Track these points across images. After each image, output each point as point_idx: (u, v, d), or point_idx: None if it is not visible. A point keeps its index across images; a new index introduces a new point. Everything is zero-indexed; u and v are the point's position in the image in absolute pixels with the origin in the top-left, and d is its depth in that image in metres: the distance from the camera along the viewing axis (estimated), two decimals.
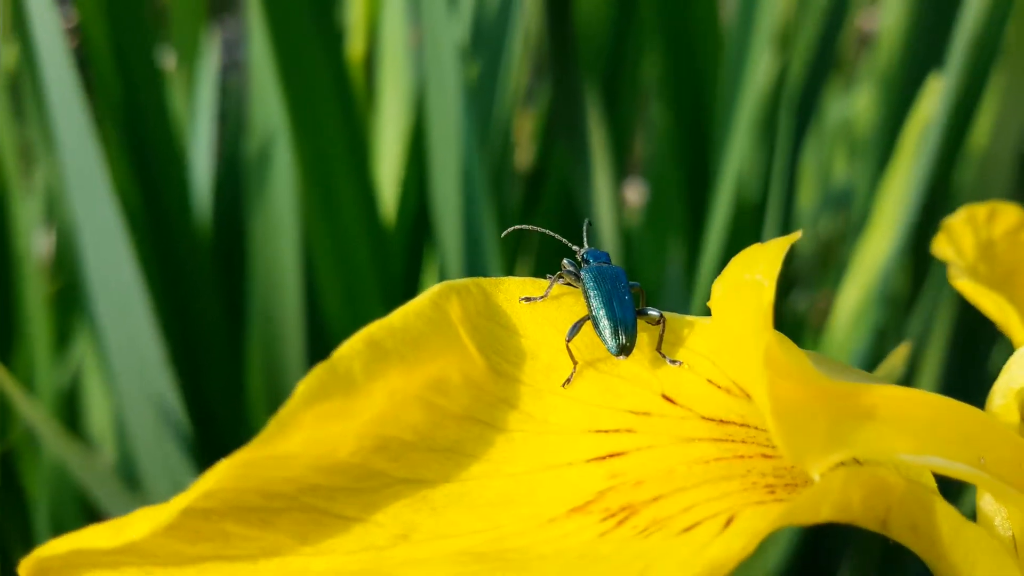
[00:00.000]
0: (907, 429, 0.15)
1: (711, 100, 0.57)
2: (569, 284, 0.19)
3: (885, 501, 0.14)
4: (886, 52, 0.76)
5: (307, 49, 0.48)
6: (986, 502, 0.18)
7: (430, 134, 0.49)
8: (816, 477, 0.13)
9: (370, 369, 0.15)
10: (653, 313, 0.18)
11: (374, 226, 0.51)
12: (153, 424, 0.49)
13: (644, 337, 0.18)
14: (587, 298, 0.18)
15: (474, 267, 0.49)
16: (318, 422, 0.14)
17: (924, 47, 0.61)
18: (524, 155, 0.75)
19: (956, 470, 0.15)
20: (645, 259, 0.66)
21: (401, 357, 0.15)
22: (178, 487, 0.50)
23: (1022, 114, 0.51)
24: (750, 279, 0.15)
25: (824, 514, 0.14)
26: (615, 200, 0.58)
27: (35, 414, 0.47)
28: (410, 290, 0.58)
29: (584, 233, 0.21)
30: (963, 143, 0.59)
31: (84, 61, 0.51)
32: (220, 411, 0.56)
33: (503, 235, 0.20)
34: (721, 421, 0.16)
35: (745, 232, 0.56)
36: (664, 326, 0.18)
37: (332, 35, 0.48)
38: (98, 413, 0.62)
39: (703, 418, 0.16)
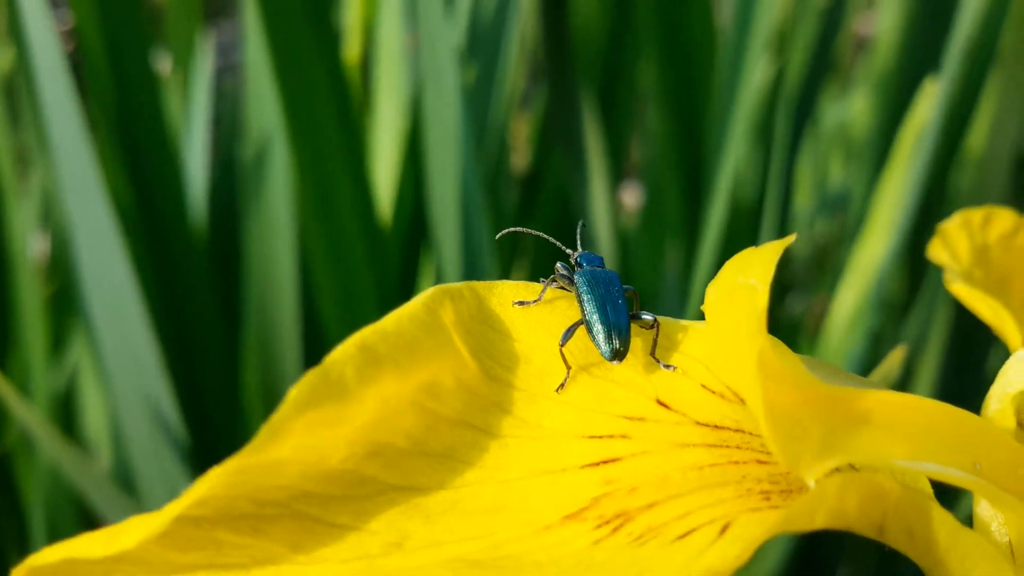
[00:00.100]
0: (903, 434, 0.15)
1: (707, 104, 0.57)
2: (563, 288, 0.19)
3: (881, 507, 0.14)
4: (882, 56, 0.76)
5: (303, 51, 0.47)
6: (982, 508, 0.18)
7: (427, 137, 0.49)
8: (811, 483, 0.13)
9: (363, 374, 0.15)
10: (647, 317, 0.18)
11: (370, 228, 0.51)
12: (148, 427, 0.49)
13: (638, 342, 0.18)
14: (581, 302, 0.18)
15: (470, 270, 0.49)
16: (310, 428, 0.14)
17: (920, 51, 0.61)
18: (520, 159, 0.75)
19: (952, 476, 0.15)
20: (641, 262, 0.66)
21: (394, 362, 0.15)
22: (173, 491, 0.50)
23: (1018, 118, 0.51)
24: (744, 283, 0.15)
25: (820, 521, 0.14)
26: (611, 204, 0.58)
27: (30, 418, 0.46)
28: (406, 293, 0.58)
29: (578, 236, 0.21)
30: (959, 147, 0.59)
31: (80, 64, 0.51)
32: (216, 414, 0.56)
33: (498, 237, 0.20)
34: (716, 426, 0.16)
35: (741, 235, 0.56)
36: (658, 330, 0.18)
37: (329, 37, 0.48)
38: (94, 416, 0.62)
39: (698, 423, 0.16)
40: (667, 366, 0.17)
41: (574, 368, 0.17)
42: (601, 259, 0.20)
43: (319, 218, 0.50)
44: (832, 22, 0.65)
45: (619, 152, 0.64)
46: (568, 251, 0.20)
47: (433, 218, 0.50)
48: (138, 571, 0.14)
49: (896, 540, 0.15)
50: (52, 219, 0.64)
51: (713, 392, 0.17)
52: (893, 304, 0.62)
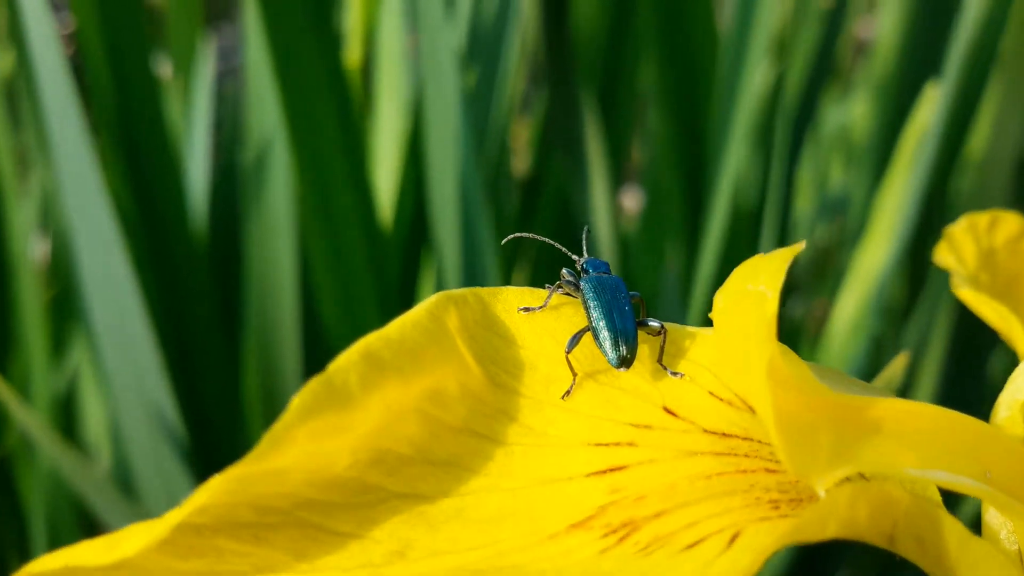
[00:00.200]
0: (913, 443, 0.14)
1: (708, 107, 0.57)
2: (568, 294, 0.19)
3: (891, 516, 0.14)
4: (883, 60, 0.76)
5: (304, 55, 0.47)
6: (991, 516, 0.18)
7: (427, 141, 0.49)
8: (821, 493, 0.13)
9: (367, 381, 0.15)
10: (654, 324, 0.18)
11: (371, 232, 0.51)
12: (148, 431, 0.49)
13: (645, 348, 0.18)
14: (587, 309, 0.18)
15: (471, 274, 0.49)
16: (314, 436, 0.14)
17: (921, 55, 0.61)
18: (521, 162, 0.75)
19: (962, 484, 0.14)
20: (642, 267, 0.65)
21: (398, 369, 0.15)
22: (173, 495, 0.50)
23: (1019, 122, 0.51)
24: (753, 290, 0.15)
25: (831, 530, 0.13)
26: (612, 208, 0.58)
27: (30, 421, 0.46)
28: (407, 297, 0.57)
29: (583, 241, 0.21)
30: (960, 151, 0.59)
31: (81, 67, 0.51)
32: (216, 418, 0.56)
33: (504, 242, 0.19)
34: (724, 434, 0.16)
35: (742, 240, 0.56)
36: (665, 337, 0.18)
37: (329, 41, 0.48)
38: (94, 419, 0.62)
39: (705, 431, 0.16)
40: (674, 373, 0.17)
41: (580, 375, 0.17)
42: (607, 265, 0.19)
43: (319, 221, 0.50)
44: (833, 26, 0.64)
45: (620, 155, 0.64)
46: (574, 257, 0.20)
47: (434, 222, 0.50)
48: None
49: (906, 549, 0.15)
50: (53, 221, 0.64)
51: (721, 400, 0.17)
52: (894, 309, 0.62)
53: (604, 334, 0.18)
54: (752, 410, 0.16)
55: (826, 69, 0.65)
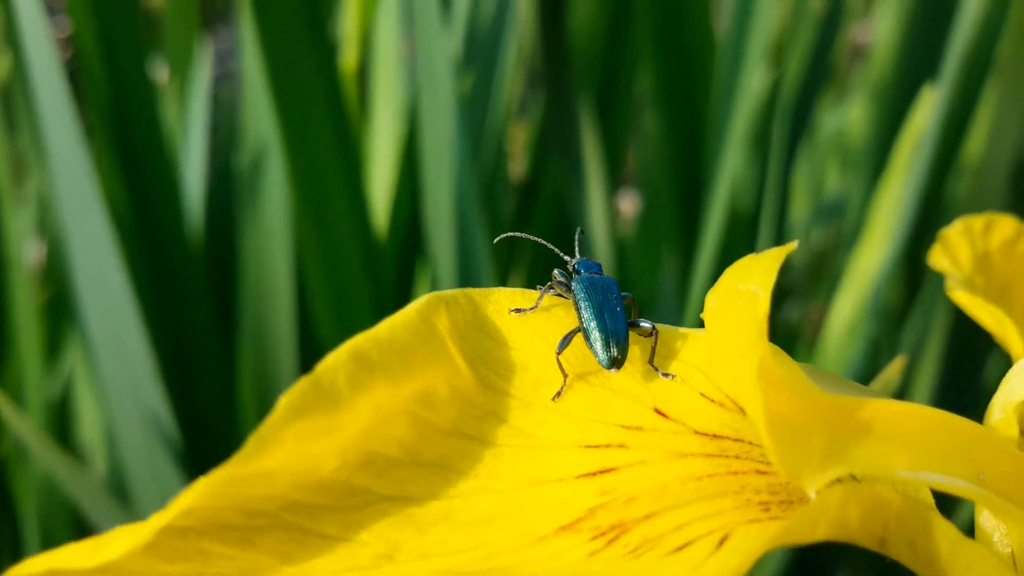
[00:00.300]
0: (905, 444, 0.14)
1: (705, 111, 0.57)
2: (560, 295, 0.19)
3: (883, 518, 0.14)
4: (879, 64, 0.76)
5: (299, 60, 0.47)
6: (985, 518, 0.18)
7: (423, 146, 0.49)
8: (812, 494, 0.13)
9: (355, 382, 0.15)
10: (645, 325, 0.18)
11: (366, 238, 0.51)
12: (143, 435, 0.49)
13: (636, 349, 0.18)
14: (578, 309, 0.18)
15: (467, 279, 0.49)
16: (301, 438, 0.14)
17: (918, 59, 0.61)
18: (518, 166, 0.75)
19: (954, 486, 0.14)
20: (638, 270, 0.65)
21: (387, 370, 0.15)
22: (168, 499, 0.49)
23: (1016, 125, 0.51)
24: (745, 289, 0.15)
25: (821, 532, 0.13)
26: (608, 211, 0.58)
27: (24, 426, 0.46)
28: (402, 301, 0.57)
29: (576, 243, 0.21)
30: (957, 155, 0.59)
31: (78, 70, 0.51)
32: (212, 422, 0.55)
33: (495, 242, 0.19)
34: (715, 436, 0.16)
35: (738, 243, 0.56)
36: (656, 338, 0.18)
37: (325, 46, 0.48)
38: (89, 422, 0.62)
39: (696, 433, 0.16)
40: (665, 374, 0.17)
41: (571, 376, 0.17)
42: (599, 266, 0.19)
43: (314, 227, 0.50)
44: (829, 30, 0.64)
45: (616, 159, 0.64)
46: (566, 258, 0.20)
47: (429, 227, 0.50)
48: None
49: (897, 551, 0.15)
50: (48, 225, 0.64)
51: (712, 401, 0.17)
52: (891, 312, 0.62)
53: (595, 335, 0.18)
54: (743, 411, 0.16)
55: (822, 73, 0.65)
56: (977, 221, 0.26)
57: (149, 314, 0.52)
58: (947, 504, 0.17)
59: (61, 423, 0.63)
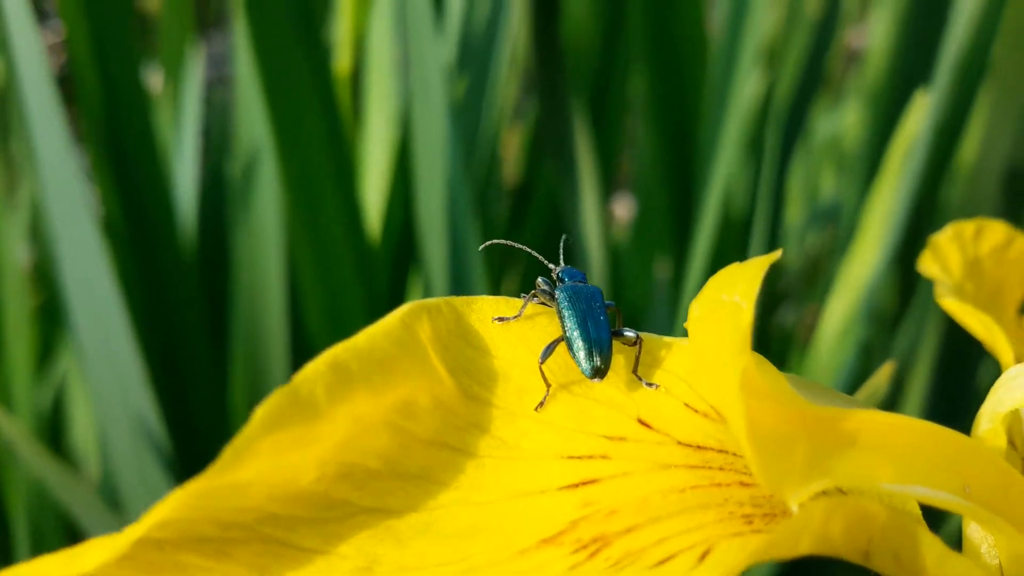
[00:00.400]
0: (890, 456, 0.14)
1: (698, 116, 0.57)
2: (544, 303, 0.18)
3: (867, 532, 0.14)
4: (874, 68, 0.76)
5: (292, 64, 0.47)
6: (972, 529, 0.17)
7: (415, 152, 0.48)
8: (794, 507, 0.13)
9: (334, 393, 0.14)
10: (629, 334, 0.18)
11: (359, 243, 0.51)
12: (133, 441, 0.48)
13: (620, 359, 0.18)
14: (561, 318, 0.18)
15: (459, 285, 0.49)
16: (278, 449, 0.14)
17: (912, 64, 0.61)
18: (512, 171, 0.75)
19: (941, 499, 0.14)
20: (632, 275, 0.65)
21: (367, 380, 0.15)
22: None
23: (1009, 131, 0.51)
24: (728, 300, 0.14)
25: (804, 547, 0.13)
26: (602, 216, 0.58)
27: (12, 430, 0.46)
28: (395, 307, 0.57)
29: (560, 250, 0.20)
30: (950, 160, 0.59)
31: (71, 74, 0.51)
32: (203, 428, 0.55)
33: (481, 248, 0.19)
34: (698, 447, 0.16)
35: (732, 248, 0.56)
36: (641, 347, 0.17)
37: (318, 50, 0.48)
38: (83, 426, 0.62)
39: (680, 443, 0.16)
40: (649, 384, 0.17)
41: (554, 386, 0.17)
42: (583, 274, 0.19)
43: (307, 231, 0.50)
44: (824, 35, 0.64)
45: (610, 163, 0.64)
46: (550, 265, 0.20)
47: (422, 233, 0.50)
48: None
49: (882, 565, 0.14)
50: (40, 230, 0.64)
51: (696, 411, 0.16)
52: (884, 316, 0.62)
53: (578, 344, 0.17)
54: (727, 422, 0.16)
55: (817, 78, 0.65)
56: (968, 227, 0.26)
57: (140, 319, 0.52)
58: (936, 514, 0.16)
59: (54, 427, 0.62)
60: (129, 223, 0.52)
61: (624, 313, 0.64)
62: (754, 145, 0.60)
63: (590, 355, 0.17)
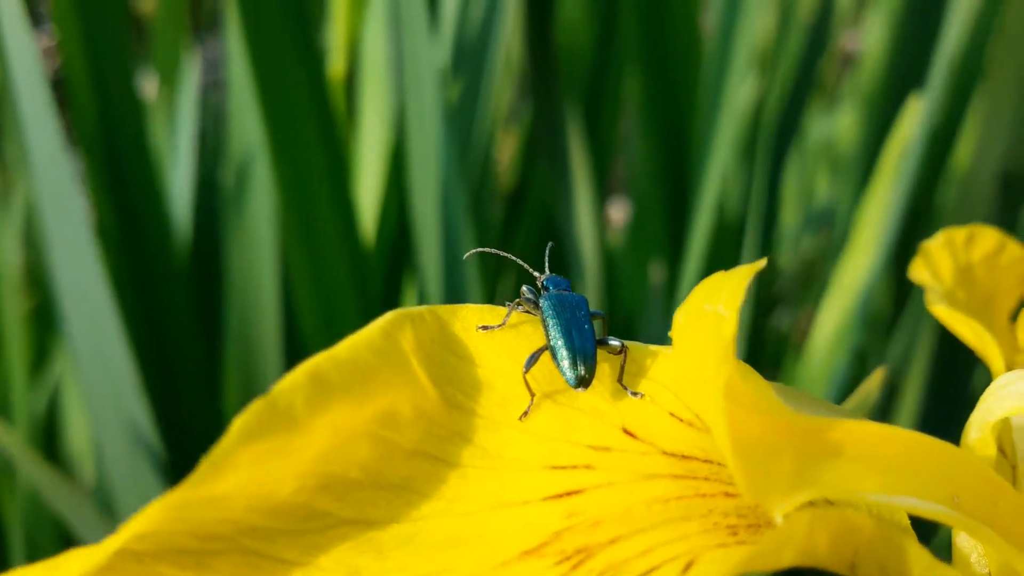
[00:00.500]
0: (877, 467, 0.14)
1: (692, 119, 0.57)
2: (529, 312, 0.18)
3: (853, 544, 0.14)
4: (869, 72, 0.76)
5: (286, 68, 0.47)
6: (962, 539, 0.17)
7: (409, 156, 0.48)
8: (779, 519, 0.13)
9: (313, 403, 0.14)
10: (614, 343, 0.18)
11: (353, 248, 0.51)
12: (126, 447, 0.48)
13: (605, 368, 0.17)
14: (545, 327, 0.18)
15: (453, 288, 0.49)
16: (256, 460, 0.14)
17: (906, 68, 0.61)
18: (507, 174, 0.75)
19: (928, 510, 0.14)
20: (627, 279, 0.65)
21: (347, 391, 0.15)
22: None
23: (1003, 135, 0.51)
24: (711, 310, 0.14)
25: (788, 559, 0.13)
26: (596, 219, 0.58)
27: (9, 440, 0.46)
28: (389, 311, 0.57)
29: (546, 258, 0.20)
30: (945, 164, 0.59)
31: (64, 80, 0.51)
32: (197, 434, 0.55)
33: (465, 257, 0.19)
34: (683, 456, 0.16)
35: (726, 252, 0.56)
36: (626, 356, 0.17)
37: (312, 54, 0.48)
38: (78, 430, 0.61)
39: (665, 453, 0.16)
40: (634, 393, 0.17)
41: (538, 395, 0.17)
42: (568, 283, 0.19)
43: (300, 236, 0.50)
44: (817, 38, 0.64)
45: (604, 167, 0.64)
46: (535, 273, 0.20)
47: (416, 236, 0.49)
48: None
49: None
50: (35, 233, 0.63)
51: (681, 420, 0.16)
52: (878, 321, 0.62)
53: (562, 353, 0.17)
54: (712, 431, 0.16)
55: (810, 81, 0.65)
56: (959, 233, 0.26)
57: (134, 324, 0.52)
58: (927, 525, 0.16)
59: (50, 430, 0.62)
60: (122, 227, 0.52)
61: (619, 317, 0.64)
62: (748, 148, 0.60)
63: (574, 364, 0.17)
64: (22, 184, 0.64)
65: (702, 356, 0.14)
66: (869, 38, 0.85)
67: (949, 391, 0.51)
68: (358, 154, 0.59)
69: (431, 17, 0.51)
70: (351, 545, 0.14)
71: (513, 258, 0.20)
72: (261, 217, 0.52)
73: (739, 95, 0.54)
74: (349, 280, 0.51)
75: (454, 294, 0.49)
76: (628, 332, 0.61)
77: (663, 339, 0.18)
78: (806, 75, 0.63)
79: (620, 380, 0.17)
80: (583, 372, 0.17)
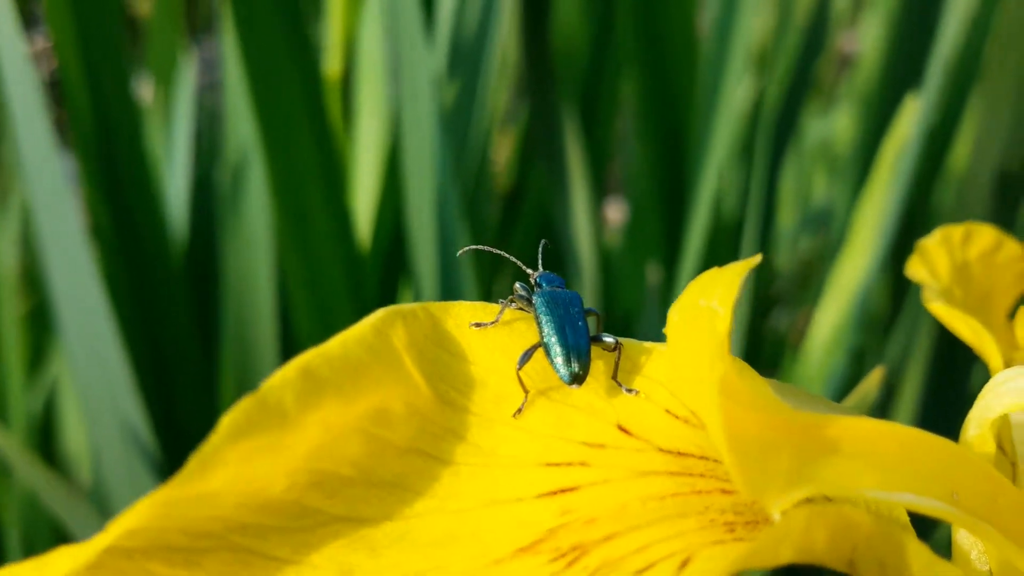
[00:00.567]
0: (875, 463, 0.14)
1: (688, 120, 0.57)
2: (522, 309, 0.18)
3: (851, 540, 0.14)
4: (866, 72, 0.76)
5: (281, 69, 0.47)
6: (962, 536, 0.17)
7: (405, 158, 0.48)
8: (776, 515, 0.12)
9: (303, 400, 0.14)
10: (609, 340, 0.17)
11: (348, 250, 0.51)
12: (122, 448, 0.48)
13: (600, 364, 0.17)
14: (539, 324, 0.18)
15: (449, 290, 0.48)
16: (246, 457, 0.13)
17: (903, 68, 0.60)
18: (504, 175, 0.75)
19: (927, 506, 0.14)
20: (624, 279, 0.65)
21: (338, 387, 0.14)
22: None
23: (1000, 135, 0.51)
24: (705, 306, 0.14)
25: (785, 555, 0.13)
26: (593, 219, 0.58)
27: (6, 441, 0.46)
28: None
29: (540, 255, 0.20)
30: (942, 164, 0.59)
31: (58, 82, 0.51)
32: (193, 436, 0.55)
33: (459, 253, 0.19)
34: (679, 453, 0.15)
35: (723, 252, 0.56)
36: (620, 353, 0.17)
37: (306, 53, 0.48)
38: (74, 432, 0.61)
39: (660, 450, 0.16)
40: (629, 390, 0.17)
41: (532, 392, 0.17)
42: (562, 280, 0.19)
43: (296, 239, 0.49)
44: (814, 38, 0.64)
45: (601, 167, 0.64)
46: (528, 271, 0.19)
47: (411, 239, 0.49)
48: None
49: (868, 574, 0.14)
50: (31, 234, 0.63)
51: (677, 417, 0.16)
52: (876, 320, 0.62)
53: (556, 350, 0.17)
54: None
55: (808, 82, 0.65)
56: (956, 231, 0.26)
57: (130, 326, 0.51)
58: (927, 522, 0.16)
59: (46, 432, 0.62)
60: (119, 228, 0.52)
61: (616, 317, 0.64)
62: (745, 148, 0.60)
63: (568, 361, 0.17)
64: (18, 186, 0.64)
65: (697, 352, 0.14)
66: (866, 38, 0.85)
67: (947, 389, 0.51)
68: (355, 155, 0.59)
69: (427, 18, 0.51)
70: (343, 543, 0.14)
71: (508, 256, 0.19)
72: (257, 219, 0.52)
73: (736, 95, 0.54)
74: (344, 281, 0.51)
75: (450, 296, 0.49)
76: (625, 332, 0.61)
77: (660, 339, 0.18)
78: (803, 75, 0.63)
79: (615, 377, 0.17)
80: (577, 369, 0.17)
